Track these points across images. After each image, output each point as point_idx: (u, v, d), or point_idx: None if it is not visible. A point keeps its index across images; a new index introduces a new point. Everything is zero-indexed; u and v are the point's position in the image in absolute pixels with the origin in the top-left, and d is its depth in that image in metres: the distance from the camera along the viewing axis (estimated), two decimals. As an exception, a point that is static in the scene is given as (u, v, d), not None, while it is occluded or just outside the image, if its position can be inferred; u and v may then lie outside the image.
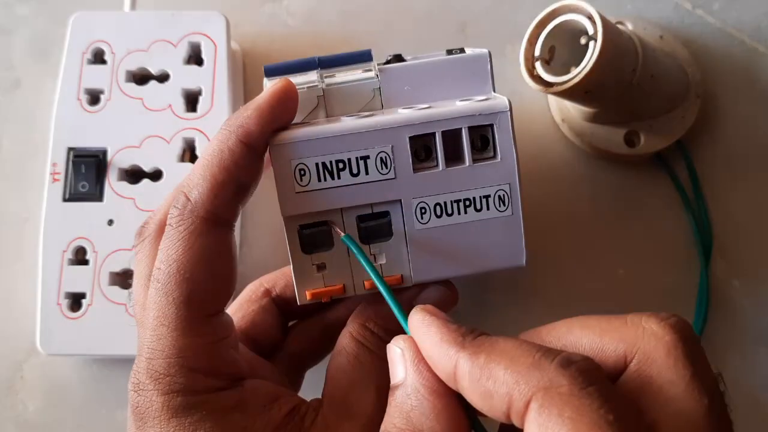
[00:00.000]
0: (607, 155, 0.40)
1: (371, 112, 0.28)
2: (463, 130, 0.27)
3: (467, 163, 0.27)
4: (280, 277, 0.33)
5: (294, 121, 0.28)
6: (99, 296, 0.36)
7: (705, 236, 0.39)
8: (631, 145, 0.39)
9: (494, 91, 0.29)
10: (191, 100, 0.38)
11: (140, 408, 0.25)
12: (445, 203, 0.27)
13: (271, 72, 0.29)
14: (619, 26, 0.36)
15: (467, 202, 0.27)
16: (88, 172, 0.37)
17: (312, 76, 0.29)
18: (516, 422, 0.21)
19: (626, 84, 0.35)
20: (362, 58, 0.29)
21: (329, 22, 0.42)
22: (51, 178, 0.37)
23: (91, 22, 0.39)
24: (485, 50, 0.29)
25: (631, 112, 0.38)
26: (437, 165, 0.27)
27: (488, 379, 0.21)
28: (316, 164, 0.27)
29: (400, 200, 0.27)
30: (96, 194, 0.37)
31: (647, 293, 0.39)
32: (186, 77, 0.38)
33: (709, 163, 0.40)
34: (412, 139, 0.27)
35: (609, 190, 0.40)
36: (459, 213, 0.28)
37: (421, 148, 0.27)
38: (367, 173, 0.27)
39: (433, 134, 0.27)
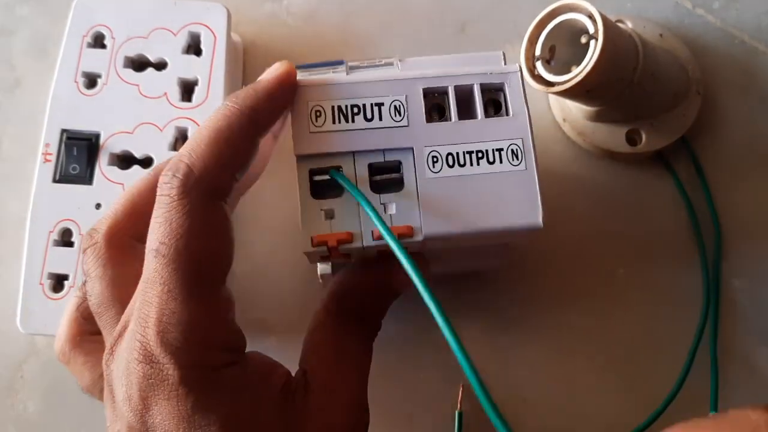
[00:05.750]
0: (609, 154, 0.39)
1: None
2: (475, 86, 0.28)
3: (479, 117, 0.28)
4: None
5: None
6: (81, 279, 0.35)
7: (709, 235, 0.39)
8: (633, 144, 0.39)
9: None
10: (187, 90, 0.38)
11: (151, 380, 0.23)
12: (457, 153, 0.27)
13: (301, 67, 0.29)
14: (620, 25, 0.36)
15: (480, 154, 0.28)
16: (79, 155, 0.36)
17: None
18: None
19: (627, 82, 0.35)
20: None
21: (329, 22, 0.43)
22: (42, 158, 0.37)
23: (93, 5, 0.39)
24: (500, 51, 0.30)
25: (632, 111, 0.38)
26: (450, 118, 0.28)
27: None
28: (332, 107, 0.27)
29: (413, 148, 0.27)
30: (86, 177, 0.36)
31: (648, 293, 0.38)
32: (183, 66, 0.38)
33: (710, 162, 0.40)
34: (426, 97, 0.28)
35: (610, 189, 0.40)
36: (471, 164, 0.27)
37: (435, 108, 0.28)
38: (380, 119, 0.27)
39: (446, 89, 0.28)
